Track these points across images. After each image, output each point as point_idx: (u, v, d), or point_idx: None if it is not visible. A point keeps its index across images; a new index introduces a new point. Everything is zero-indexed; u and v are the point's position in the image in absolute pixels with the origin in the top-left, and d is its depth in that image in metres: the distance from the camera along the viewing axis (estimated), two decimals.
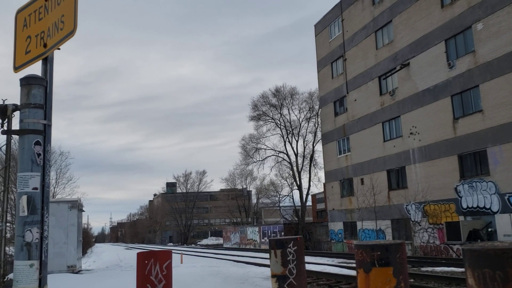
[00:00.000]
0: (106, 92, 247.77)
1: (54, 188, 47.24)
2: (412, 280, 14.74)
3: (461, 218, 25.07)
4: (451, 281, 13.69)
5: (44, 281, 3.39)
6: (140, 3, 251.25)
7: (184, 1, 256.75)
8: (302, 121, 55.80)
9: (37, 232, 3.39)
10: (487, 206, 23.71)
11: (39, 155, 3.50)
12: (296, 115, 57.00)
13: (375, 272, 2.65)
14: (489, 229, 23.43)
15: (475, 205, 24.51)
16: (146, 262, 3.88)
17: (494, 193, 23.33)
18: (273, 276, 4.10)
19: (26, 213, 3.37)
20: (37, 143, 3.51)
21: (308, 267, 20.00)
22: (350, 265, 21.08)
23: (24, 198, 3.38)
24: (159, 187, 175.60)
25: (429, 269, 18.36)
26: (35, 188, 3.44)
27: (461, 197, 25.38)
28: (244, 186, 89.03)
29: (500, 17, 23.48)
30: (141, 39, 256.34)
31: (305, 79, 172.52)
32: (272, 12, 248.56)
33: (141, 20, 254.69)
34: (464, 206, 25.11)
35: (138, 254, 4.01)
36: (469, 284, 1.87)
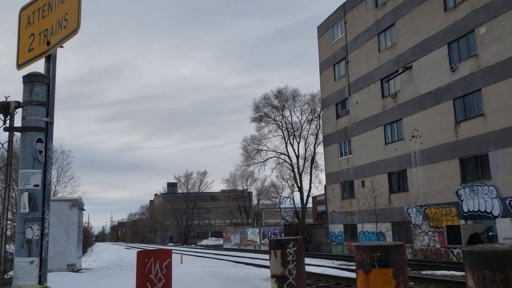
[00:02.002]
0: (106, 91, 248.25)
1: (55, 186, 47.38)
2: (412, 283, 14.72)
3: (462, 221, 25.04)
4: (451, 285, 13.67)
5: (44, 278, 3.40)
6: (140, 2, 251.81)
7: (184, 0, 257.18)
8: (303, 123, 55.91)
9: (37, 229, 3.40)
10: (488, 210, 23.68)
11: (40, 152, 3.51)
12: (297, 117, 57.20)
13: (375, 273, 2.65)
14: (490, 233, 23.39)
15: (476, 209, 24.48)
16: (146, 260, 3.89)
17: (495, 197, 23.30)
18: (272, 276, 4.10)
19: (27, 210, 3.38)
20: (39, 140, 3.52)
21: (308, 268, 19.99)
22: (350, 267, 21.06)
23: (26, 194, 3.39)
24: (160, 187, 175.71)
25: (429, 272, 18.34)
26: (37, 185, 3.45)
27: (462, 201, 25.35)
28: (245, 187, 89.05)
29: (503, 21, 23.47)
30: (141, 38, 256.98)
31: (306, 80, 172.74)
32: (272, 13, 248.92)
33: (141, 19, 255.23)
34: (465, 209, 25.08)
35: (138, 252, 4.02)
36: (469, 286, 1.87)
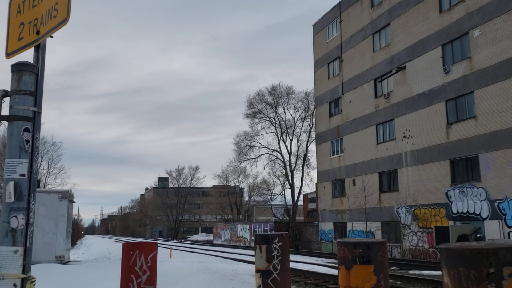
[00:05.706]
0: (96, 83, 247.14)
1: (46, 178, 47.10)
2: (399, 282, 14.83)
3: (451, 223, 25.21)
4: (437, 285, 13.79)
5: (28, 268, 3.39)
6: None
7: None
8: (297, 120, 56.03)
9: (22, 218, 3.39)
10: (477, 212, 23.86)
11: (27, 142, 3.50)
12: (291, 114, 57.35)
13: (356, 269, 2.68)
14: (478, 235, 23.58)
15: (465, 211, 24.65)
16: (131, 253, 3.90)
17: (484, 199, 23.48)
18: (257, 271, 4.12)
19: (12, 199, 3.37)
20: (26, 130, 3.51)
21: (297, 266, 20.07)
22: None
23: (11, 184, 3.38)
24: (151, 181, 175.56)
25: (417, 272, 18.49)
26: (23, 175, 3.44)
27: (451, 202, 25.52)
28: (237, 183, 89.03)
29: (497, 25, 23.60)
30: (131, 31, 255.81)
31: (297, 77, 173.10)
32: (263, 9, 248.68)
33: (130, 11, 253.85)
34: (454, 211, 25.26)
35: (124, 244, 4.02)
36: (445, 283, 1.90)
